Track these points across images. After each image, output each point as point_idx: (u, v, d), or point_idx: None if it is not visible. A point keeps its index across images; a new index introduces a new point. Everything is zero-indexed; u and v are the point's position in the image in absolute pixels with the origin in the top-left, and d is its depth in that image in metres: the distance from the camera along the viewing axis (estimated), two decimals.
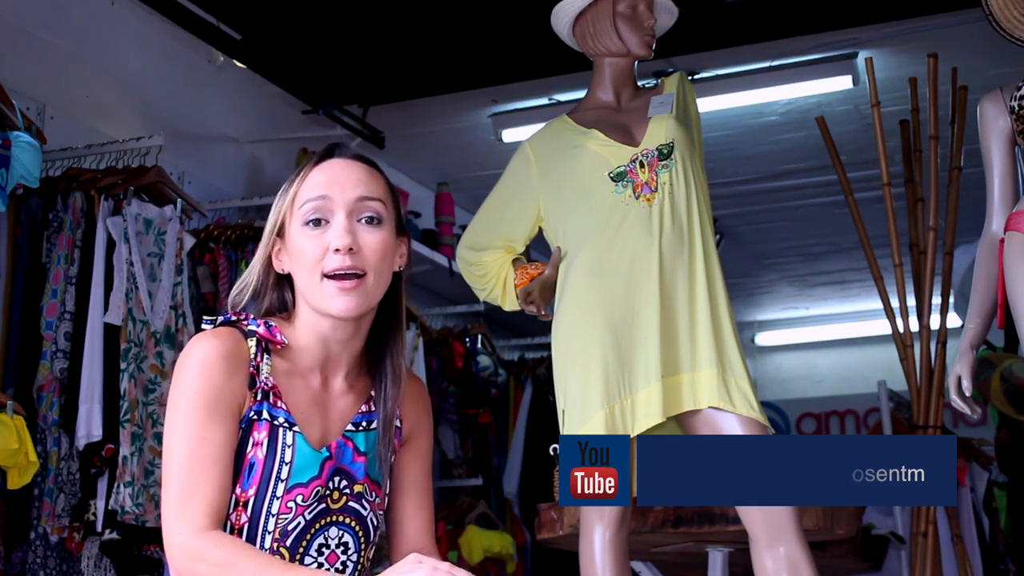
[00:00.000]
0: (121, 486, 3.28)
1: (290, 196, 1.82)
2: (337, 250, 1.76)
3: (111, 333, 3.41)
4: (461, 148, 5.73)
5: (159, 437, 3.42)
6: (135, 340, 3.44)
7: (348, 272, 1.76)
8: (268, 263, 1.85)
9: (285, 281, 1.86)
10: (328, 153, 1.85)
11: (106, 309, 3.41)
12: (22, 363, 3.37)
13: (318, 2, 4.40)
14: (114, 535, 3.31)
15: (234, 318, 1.82)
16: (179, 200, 3.73)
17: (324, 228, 1.79)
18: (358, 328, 1.83)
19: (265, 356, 1.79)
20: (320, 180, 1.81)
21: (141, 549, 3.40)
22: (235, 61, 4.59)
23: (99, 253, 3.44)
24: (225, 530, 1.72)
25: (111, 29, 4.15)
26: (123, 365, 3.39)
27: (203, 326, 1.82)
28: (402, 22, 4.55)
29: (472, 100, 5.19)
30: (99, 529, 3.33)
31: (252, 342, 1.79)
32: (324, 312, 1.79)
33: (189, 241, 3.74)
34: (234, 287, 1.88)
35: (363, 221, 1.79)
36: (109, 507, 3.31)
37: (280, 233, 1.83)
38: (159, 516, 3.30)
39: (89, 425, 3.31)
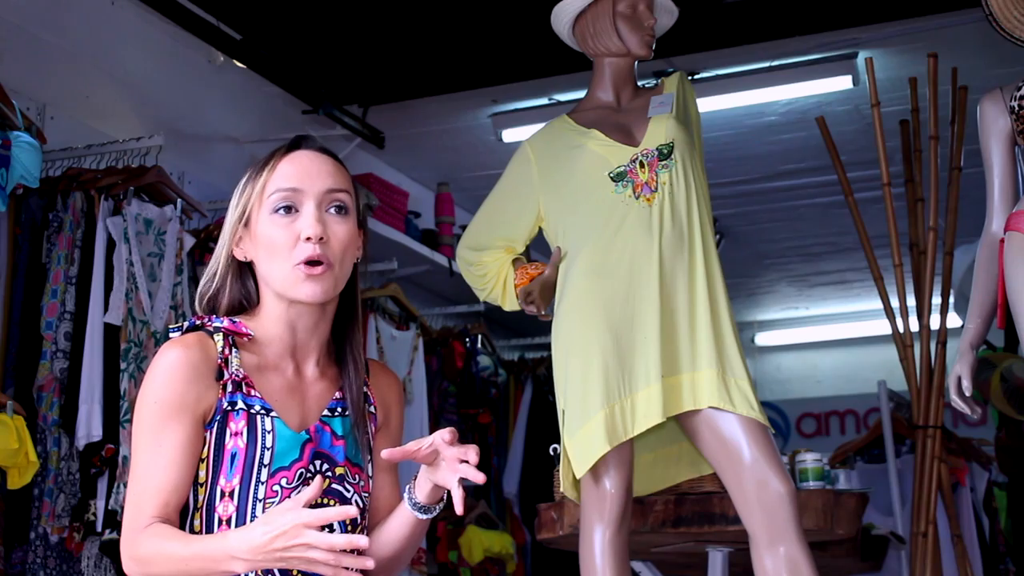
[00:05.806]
0: (121, 486, 3.28)
1: (259, 185, 1.86)
2: (308, 239, 1.80)
3: (111, 333, 3.41)
4: (461, 148, 5.72)
5: None
6: (135, 340, 3.43)
7: (317, 260, 1.80)
8: (230, 252, 1.88)
9: (247, 271, 1.90)
10: (295, 144, 1.89)
11: (106, 309, 3.40)
12: (22, 363, 3.37)
13: (318, 2, 4.40)
14: (114, 535, 3.31)
15: (198, 322, 1.84)
16: (179, 200, 3.73)
17: (294, 217, 1.83)
18: (323, 314, 1.88)
19: (233, 349, 1.82)
20: (290, 171, 1.85)
21: None
22: (235, 61, 4.59)
23: (99, 253, 3.44)
24: (213, 522, 1.76)
25: (111, 29, 4.15)
26: (123, 365, 3.39)
27: (170, 335, 1.85)
28: (402, 22, 4.55)
29: (472, 100, 5.19)
30: (99, 529, 3.33)
31: (218, 337, 1.82)
32: (292, 298, 1.83)
33: (189, 241, 3.74)
34: (201, 280, 1.91)
35: (331, 211, 1.84)
36: (109, 507, 3.30)
37: (244, 222, 1.87)
38: None
39: (89, 425, 3.31)
